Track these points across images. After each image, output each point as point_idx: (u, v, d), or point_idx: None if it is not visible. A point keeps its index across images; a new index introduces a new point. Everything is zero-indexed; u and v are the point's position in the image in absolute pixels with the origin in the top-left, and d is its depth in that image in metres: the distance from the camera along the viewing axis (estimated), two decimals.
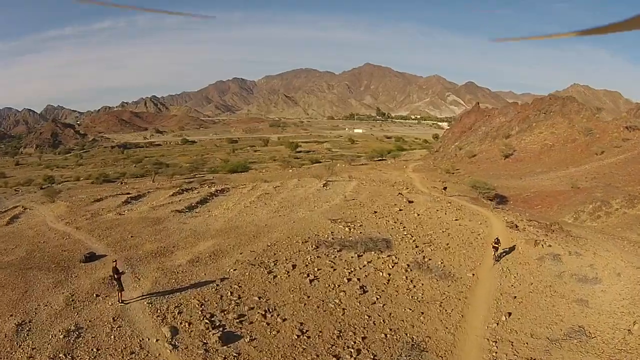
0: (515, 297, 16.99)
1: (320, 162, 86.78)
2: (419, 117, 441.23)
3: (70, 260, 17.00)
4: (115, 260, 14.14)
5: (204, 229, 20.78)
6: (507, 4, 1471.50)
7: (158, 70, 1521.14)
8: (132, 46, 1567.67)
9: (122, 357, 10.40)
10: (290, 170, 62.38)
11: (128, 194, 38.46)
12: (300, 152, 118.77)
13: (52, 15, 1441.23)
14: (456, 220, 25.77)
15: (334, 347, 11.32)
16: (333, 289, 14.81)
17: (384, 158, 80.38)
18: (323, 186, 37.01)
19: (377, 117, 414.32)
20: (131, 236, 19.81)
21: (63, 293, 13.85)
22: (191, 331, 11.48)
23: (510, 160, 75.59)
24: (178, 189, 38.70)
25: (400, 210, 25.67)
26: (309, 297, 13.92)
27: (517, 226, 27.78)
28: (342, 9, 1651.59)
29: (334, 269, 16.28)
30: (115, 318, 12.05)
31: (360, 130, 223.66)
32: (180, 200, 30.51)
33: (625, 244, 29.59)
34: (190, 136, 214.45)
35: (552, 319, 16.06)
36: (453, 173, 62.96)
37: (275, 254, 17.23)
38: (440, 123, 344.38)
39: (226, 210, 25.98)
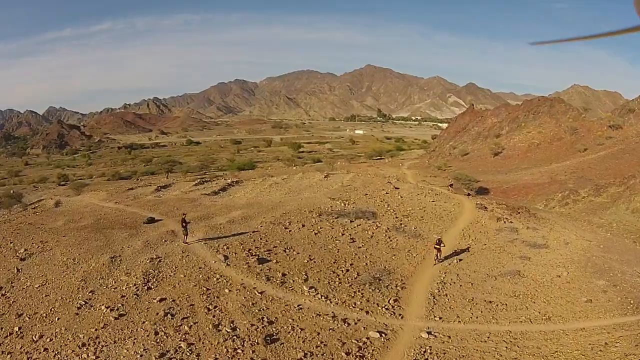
0: (468, 250, 22.64)
1: (322, 162, 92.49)
2: (419, 118, 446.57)
3: (135, 223, 22.77)
4: (185, 213, 19.95)
5: (232, 204, 26.59)
6: (507, 3, 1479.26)
7: (159, 71, 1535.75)
8: (132, 48, 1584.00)
9: (193, 271, 16.16)
10: (295, 167, 68.22)
11: (152, 185, 44.23)
12: (302, 152, 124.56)
13: (50, 18, 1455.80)
14: (433, 201, 31.41)
15: (331, 267, 17.09)
16: (331, 238, 20.59)
17: (382, 157, 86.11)
18: (324, 177, 42.72)
19: (378, 118, 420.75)
20: (176, 208, 25.60)
21: (139, 240, 19.62)
22: (237, 257, 17.26)
23: (498, 158, 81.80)
24: (198, 180, 44.45)
25: (386, 193, 31.33)
26: (314, 242, 19.74)
27: (485, 207, 33.32)
28: (342, 10, 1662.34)
29: (332, 228, 22.07)
30: (184, 251, 17.87)
31: (361, 132, 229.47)
32: (204, 188, 36.25)
33: (586, 225, 34.94)
34: (195, 137, 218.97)
35: (494, 265, 21.55)
36: (445, 170, 68.45)
37: (289, 218, 22.99)
38: (440, 124, 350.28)
39: (245, 193, 31.82)
